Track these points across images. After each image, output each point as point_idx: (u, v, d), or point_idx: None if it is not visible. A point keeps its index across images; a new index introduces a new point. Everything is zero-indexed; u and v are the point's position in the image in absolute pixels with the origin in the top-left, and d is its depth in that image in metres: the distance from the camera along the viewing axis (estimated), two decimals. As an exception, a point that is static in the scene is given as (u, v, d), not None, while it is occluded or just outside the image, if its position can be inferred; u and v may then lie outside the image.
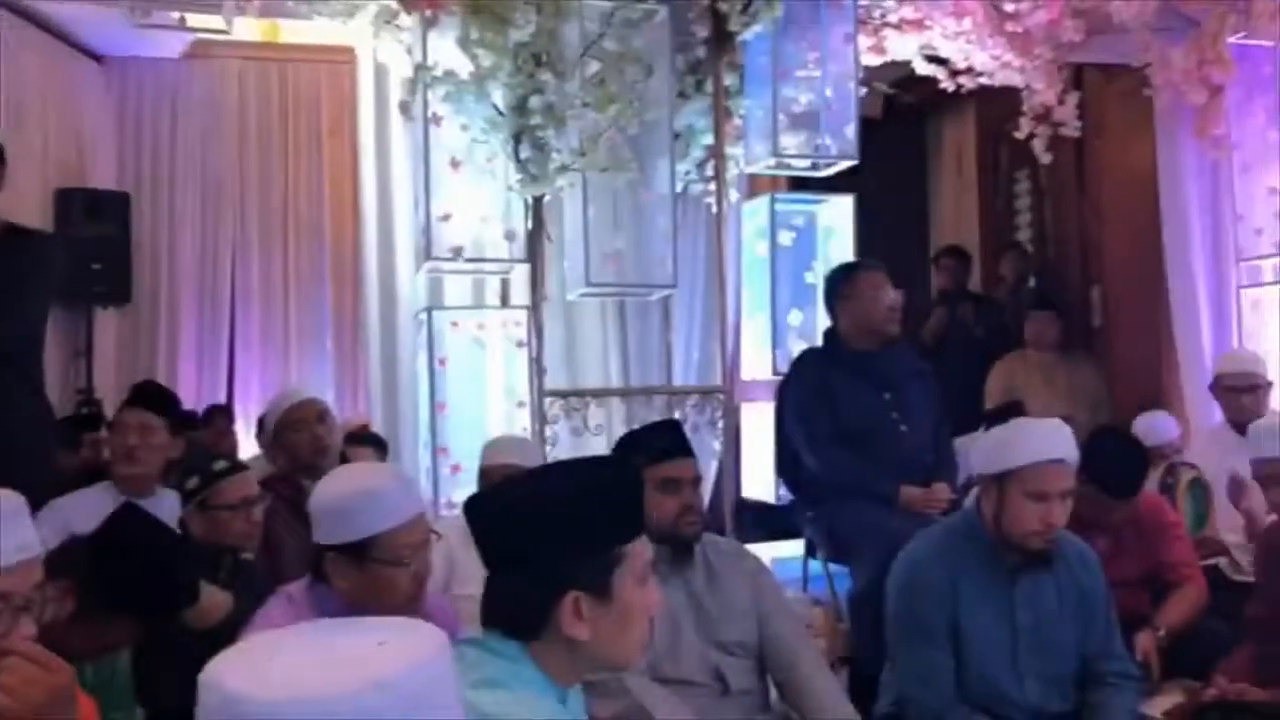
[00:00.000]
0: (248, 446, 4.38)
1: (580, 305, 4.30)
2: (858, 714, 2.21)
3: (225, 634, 1.74)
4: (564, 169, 3.68)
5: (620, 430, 3.95)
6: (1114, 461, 2.93)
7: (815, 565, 3.66)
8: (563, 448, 3.78)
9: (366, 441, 3.80)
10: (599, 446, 3.81)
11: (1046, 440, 2.22)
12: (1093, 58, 4.94)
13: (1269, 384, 3.77)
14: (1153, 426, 3.81)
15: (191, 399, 5.21)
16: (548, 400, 3.82)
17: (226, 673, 0.83)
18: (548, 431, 3.79)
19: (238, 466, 2.52)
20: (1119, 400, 5.16)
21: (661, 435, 2.35)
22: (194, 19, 4.37)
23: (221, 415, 5.13)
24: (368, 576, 1.74)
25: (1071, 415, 4.28)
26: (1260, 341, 4.28)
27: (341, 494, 1.78)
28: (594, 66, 3.72)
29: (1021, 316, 5.46)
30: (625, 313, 4.46)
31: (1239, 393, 3.69)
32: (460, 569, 2.63)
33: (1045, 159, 4.91)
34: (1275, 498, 2.61)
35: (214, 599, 2.10)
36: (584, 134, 3.64)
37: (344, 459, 3.09)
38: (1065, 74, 4.77)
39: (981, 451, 2.31)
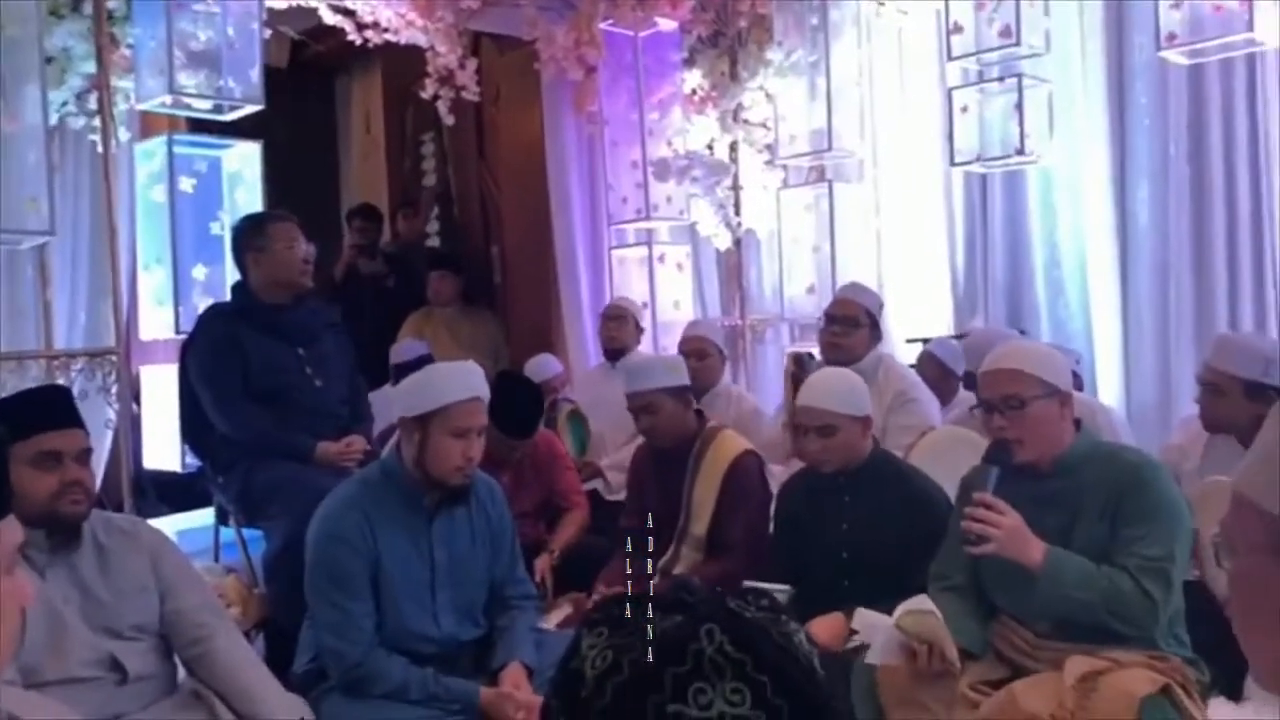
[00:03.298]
0: None
1: (-79, 254, 3.58)
2: (274, 678, 2.17)
3: None
4: (-110, 86, 3.01)
5: (-16, 402, 3.38)
6: (513, 405, 3.22)
7: (228, 533, 3.50)
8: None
9: None
10: (-46, 422, 3.21)
11: (464, 380, 2.36)
12: (489, 27, 5.27)
13: (639, 324, 4.41)
14: (539, 365, 4.43)
15: None
16: (-122, 370, 3.14)
17: None
18: (-122, 408, 3.11)
19: None
20: (516, 349, 5.65)
21: (39, 403, 2.06)
22: None
23: None
24: None
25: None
26: (626, 293, 4.96)
27: None
28: (-69, -34, 3.08)
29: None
30: (-13, 264, 3.80)
31: (609, 319, 4.36)
32: None
33: (448, 121, 5.15)
34: (644, 424, 3.05)
35: None
36: (-82, 46, 3.01)
37: None
38: (465, 40, 5.04)
39: (403, 395, 2.38)
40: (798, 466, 2.95)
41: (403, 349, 4.74)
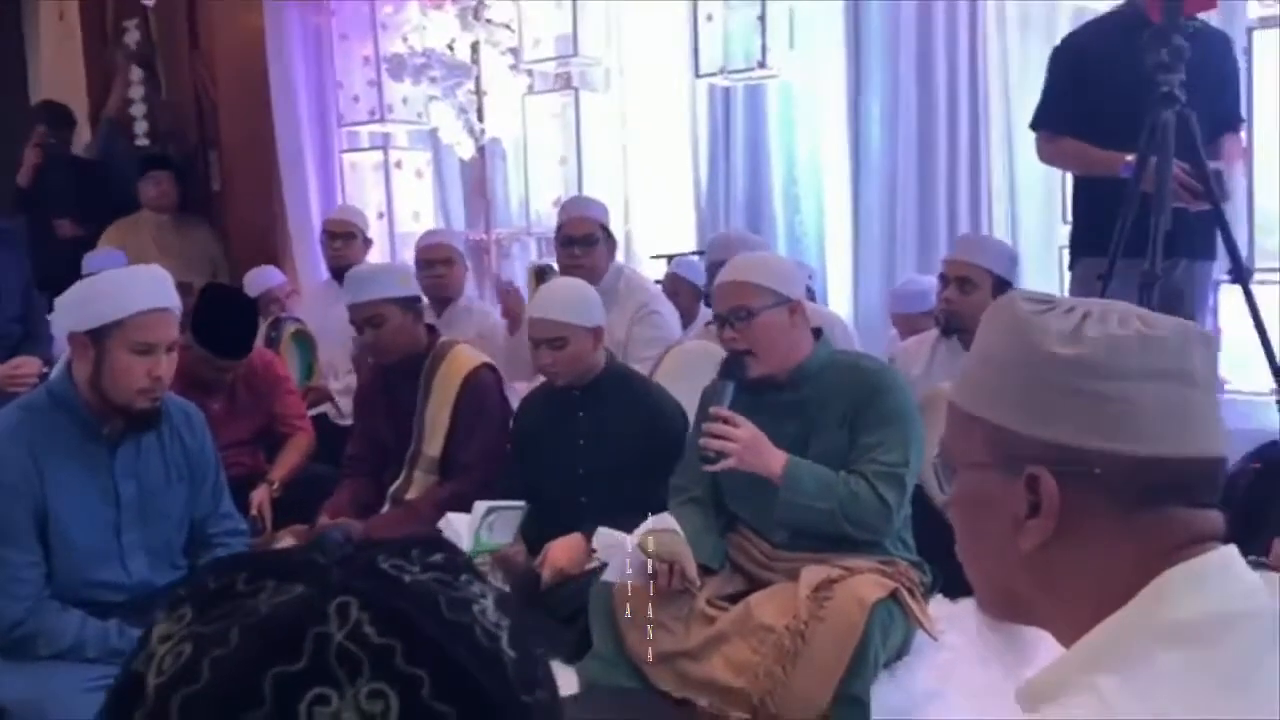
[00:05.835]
0: None
1: None
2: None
3: None
4: None
5: None
6: (223, 322, 2.89)
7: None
8: None
9: None
10: None
11: (148, 288, 2.03)
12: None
13: (366, 238, 4.09)
14: (256, 277, 4.10)
15: None
16: None
17: None
18: None
19: None
20: (237, 263, 5.17)
21: None
22: None
23: None
24: None
25: (190, 281, 4.16)
26: (359, 201, 4.61)
27: None
28: None
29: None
30: None
31: (335, 236, 3.98)
32: None
33: (149, 2, 4.54)
34: (368, 338, 2.80)
35: None
36: None
37: None
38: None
39: (71, 306, 2.02)
40: (540, 383, 2.83)
41: (96, 259, 4.16)
